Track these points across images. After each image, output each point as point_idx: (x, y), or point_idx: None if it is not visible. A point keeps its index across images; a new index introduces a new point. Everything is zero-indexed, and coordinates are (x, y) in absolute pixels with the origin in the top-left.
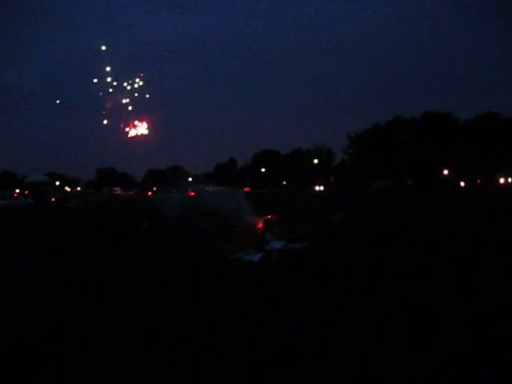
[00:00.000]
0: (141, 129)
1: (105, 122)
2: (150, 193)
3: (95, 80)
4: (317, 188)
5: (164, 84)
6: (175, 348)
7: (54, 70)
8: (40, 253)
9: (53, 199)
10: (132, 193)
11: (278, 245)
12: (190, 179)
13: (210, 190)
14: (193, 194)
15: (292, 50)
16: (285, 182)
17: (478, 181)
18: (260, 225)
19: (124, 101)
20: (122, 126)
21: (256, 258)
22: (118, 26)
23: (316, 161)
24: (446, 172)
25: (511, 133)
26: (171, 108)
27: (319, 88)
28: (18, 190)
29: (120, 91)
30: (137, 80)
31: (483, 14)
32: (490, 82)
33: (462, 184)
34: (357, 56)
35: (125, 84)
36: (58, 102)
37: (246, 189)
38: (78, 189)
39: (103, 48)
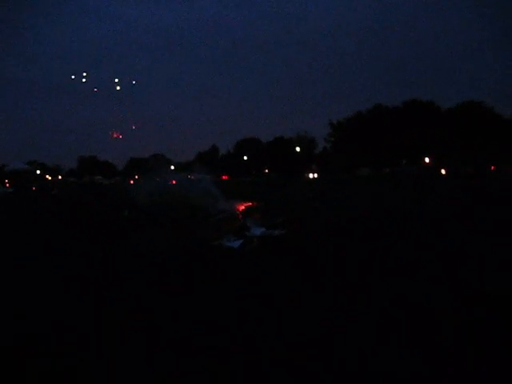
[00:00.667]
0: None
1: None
2: (131, 181)
3: (73, 76)
4: (310, 175)
5: (145, 73)
6: (161, 333)
7: (35, 57)
8: (23, 244)
9: (34, 188)
10: (112, 182)
11: (257, 231)
12: (172, 167)
13: (193, 177)
14: (174, 182)
15: (274, 38)
16: (267, 170)
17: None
18: (240, 212)
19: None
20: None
21: (236, 244)
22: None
23: (298, 149)
24: (427, 160)
25: (493, 122)
26: (152, 97)
27: (301, 76)
28: None
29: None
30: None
31: (464, 2)
32: (472, 71)
33: (443, 172)
34: (338, 44)
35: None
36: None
37: (223, 177)
38: (59, 177)
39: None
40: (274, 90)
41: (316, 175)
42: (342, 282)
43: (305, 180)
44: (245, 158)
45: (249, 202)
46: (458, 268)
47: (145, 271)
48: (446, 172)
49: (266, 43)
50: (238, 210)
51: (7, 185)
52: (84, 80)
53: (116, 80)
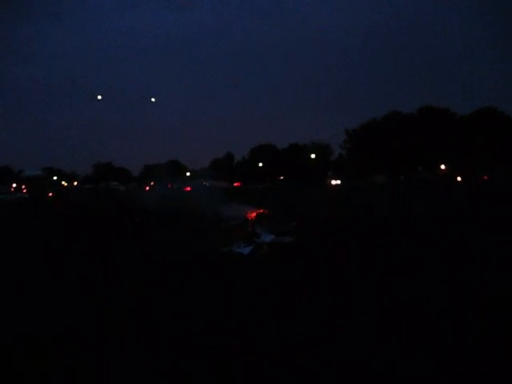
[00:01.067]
0: None
1: None
2: (147, 187)
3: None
4: (333, 182)
5: (161, 80)
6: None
7: (52, 65)
8: (39, 248)
9: (50, 194)
10: (128, 188)
11: (267, 238)
12: (188, 174)
13: (207, 184)
14: (188, 188)
15: (290, 46)
16: (282, 177)
17: (485, 177)
18: (251, 219)
19: None
20: None
21: (246, 250)
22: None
23: (313, 156)
24: (443, 167)
25: (508, 128)
26: (168, 104)
27: (317, 83)
28: (14, 185)
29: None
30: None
31: (482, 10)
32: (487, 78)
33: (459, 179)
34: (355, 51)
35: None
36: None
37: (236, 184)
38: (75, 183)
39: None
40: (290, 97)
41: (339, 182)
42: (347, 287)
43: (328, 186)
44: (260, 164)
45: (260, 209)
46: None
47: (151, 275)
48: (462, 179)
49: (283, 50)
50: (248, 216)
51: (24, 191)
52: (153, 100)
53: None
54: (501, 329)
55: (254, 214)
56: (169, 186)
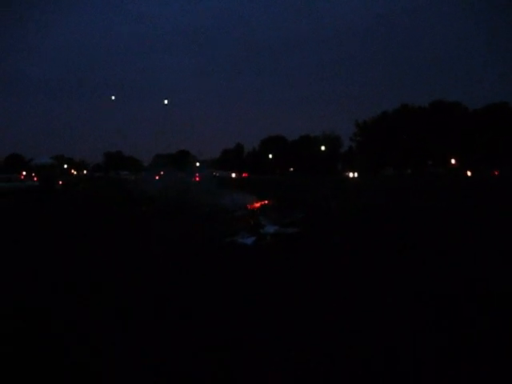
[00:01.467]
0: None
1: None
2: (157, 177)
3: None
4: (351, 175)
5: (172, 71)
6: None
7: (61, 55)
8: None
9: (60, 182)
10: (138, 177)
11: (271, 229)
12: (198, 164)
13: (217, 174)
14: (198, 178)
15: (301, 37)
16: (292, 169)
17: (496, 172)
18: (256, 209)
19: None
20: None
21: (249, 241)
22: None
23: (323, 148)
24: (453, 161)
25: None
26: (180, 94)
27: (327, 75)
28: (24, 173)
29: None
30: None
31: (494, 4)
32: (499, 72)
33: (469, 173)
34: (366, 43)
35: None
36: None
37: (244, 174)
38: (85, 172)
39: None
40: (301, 89)
41: (356, 174)
42: (346, 280)
43: (342, 179)
44: (270, 156)
45: (266, 200)
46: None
47: (155, 265)
48: (472, 173)
49: (294, 42)
50: (253, 207)
51: (34, 178)
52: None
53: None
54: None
55: (259, 205)
56: (178, 175)
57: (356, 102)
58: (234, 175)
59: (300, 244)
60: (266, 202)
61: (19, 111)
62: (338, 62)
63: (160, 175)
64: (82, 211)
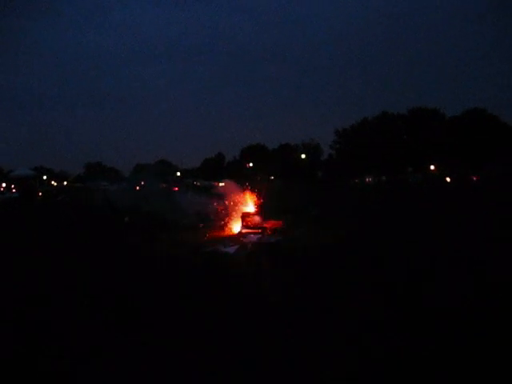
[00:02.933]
0: None
1: None
2: (137, 187)
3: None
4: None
5: (152, 79)
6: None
7: (41, 66)
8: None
9: (39, 193)
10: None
11: (254, 238)
12: (178, 174)
13: (198, 184)
14: (176, 189)
15: (280, 46)
16: (272, 177)
17: (475, 177)
18: (238, 219)
19: None
20: None
21: (231, 249)
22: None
23: (304, 156)
24: (432, 167)
25: (496, 129)
26: (159, 103)
27: (307, 83)
28: (4, 185)
29: None
30: None
31: (470, 12)
32: (476, 78)
33: (448, 179)
34: (345, 51)
35: None
36: None
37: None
38: (65, 183)
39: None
40: (280, 97)
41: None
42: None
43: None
44: (250, 164)
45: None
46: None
47: (135, 273)
48: (451, 179)
49: (273, 50)
50: (235, 217)
51: (13, 190)
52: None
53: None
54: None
55: (241, 215)
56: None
57: (335, 110)
58: (222, 184)
59: (280, 252)
60: (249, 212)
61: None
62: (317, 70)
63: (140, 185)
64: (64, 223)
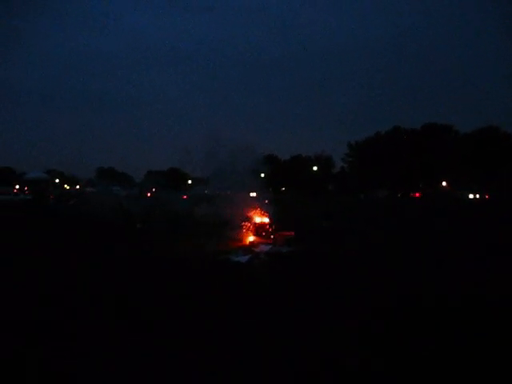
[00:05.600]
0: None
1: None
2: (148, 194)
3: None
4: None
5: (165, 87)
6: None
7: (56, 68)
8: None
9: (51, 196)
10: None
11: (265, 248)
12: (189, 182)
13: (206, 192)
14: (185, 197)
15: (295, 58)
16: (283, 188)
17: (487, 196)
18: (251, 229)
19: None
20: None
21: (244, 259)
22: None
23: (315, 168)
24: (444, 184)
25: (510, 146)
26: (171, 111)
27: (321, 96)
28: (17, 187)
29: None
30: None
31: (485, 27)
32: (491, 96)
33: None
34: (359, 65)
35: None
36: None
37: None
38: (77, 187)
39: None
40: (294, 109)
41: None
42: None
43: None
44: (262, 175)
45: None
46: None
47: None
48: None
49: (287, 62)
50: (248, 227)
51: (26, 192)
52: None
53: None
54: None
55: (254, 225)
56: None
57: (348, 123)
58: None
59: (293, 263)
60: (261, 222)
61: (11, 123)
62: (332, 84)
63: (152, 192)
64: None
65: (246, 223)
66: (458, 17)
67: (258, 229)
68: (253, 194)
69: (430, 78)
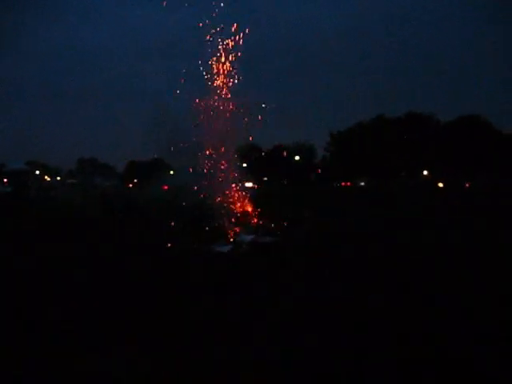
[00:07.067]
0: None
1: None
2: (130, 185)
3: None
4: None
5: (147, 77)
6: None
7: (35, 59)
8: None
9: (32, 188)
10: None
11: (248, 238)
12: (172, 172)
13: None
14: (166, 187)
15: (275, 47)
16: (265, 178)
17: (468, 184)
18: (233, 219)
19: None
20: None
21: (225, 249)
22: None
23: (297, 157)
24: (425, 173)
25: (490, 135)
26: (149, 103)
27: (302, 85)
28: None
29: None
30: None
31: (468, 18)
32: (472, 85)
33: (441, 185)
34: (341, 53)
35: None
36: None
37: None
38: (58, 178)
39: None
40: (275, 99)
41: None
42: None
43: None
44: (244, 165)
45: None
46: None
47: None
48: (444, 185)
49: (268, 50)
50: (230, 217)
51: (6, 183)
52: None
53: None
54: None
55: (236, 215)
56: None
57: (330, 113)
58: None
59: (275, 252)
60: (243, 210)
61: None
62: (314, 72)
63: (133, 183)
64: (58, 221)
65: (229, 212)
66: (440, 5)
67: (241, 218)
68: (248, 184)
69: (413, 68)
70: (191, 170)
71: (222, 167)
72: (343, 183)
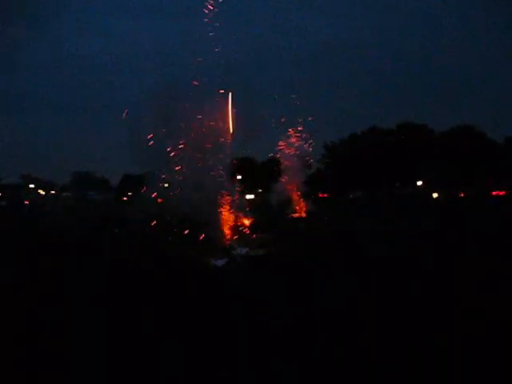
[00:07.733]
0: None
1: None
2: (124, 198)
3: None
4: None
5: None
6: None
7: (30, 71)
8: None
9: (26, 202)
10: (106, 197)
11: (242, 251)
12: (166, 185)
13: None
14: (160, 200)
15: (269, 57)
16: (260, 190)
17: (462, 194)
18: (227, 232)
19: None
20: None
21: (220, 262)
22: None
23: None
24: (420, 183)
25: (484, 146)
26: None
27: (295, 96)
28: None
29: None
30: None
31: (460, 28)
32: (466, 95)
33: (435, 195)
34: (334, 66)
35: None
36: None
37: None
38: (53, 192)
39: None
40: (269, 110)
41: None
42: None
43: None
44: (239, 177)
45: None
46: None
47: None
48: (439, 195)
49: (264, 62)
50: (225, 230)
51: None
52: None
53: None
54: None
55: (231, 228)
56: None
57: (325, 124)
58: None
59: (270, 264)
60: (238, 223)
61: None
62: (307, 84)
63: (128, 196)
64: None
65: (223, 225)
66: (432, 16)
67: (235, 230)
68: (250, 197)
69: (406, 78)
70: (184, 182)
71: (219, 179)
72: (320, 194)
